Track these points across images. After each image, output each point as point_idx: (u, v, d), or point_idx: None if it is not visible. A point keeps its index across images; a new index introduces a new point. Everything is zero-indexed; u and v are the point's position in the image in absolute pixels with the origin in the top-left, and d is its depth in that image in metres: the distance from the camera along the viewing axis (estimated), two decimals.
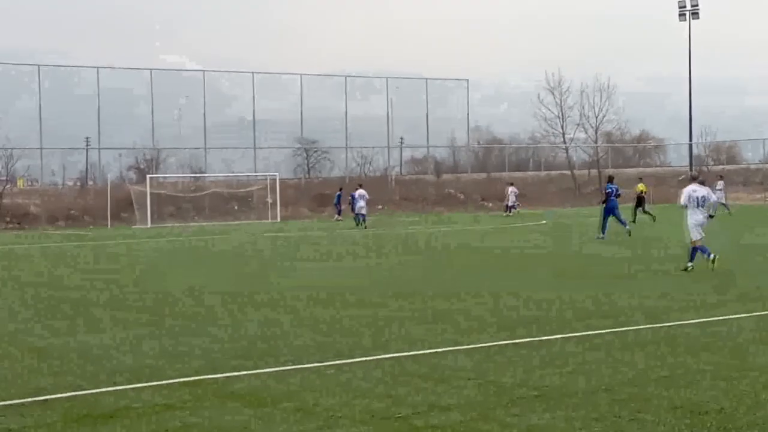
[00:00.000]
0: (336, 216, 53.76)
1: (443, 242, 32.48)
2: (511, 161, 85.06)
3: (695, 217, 19.44)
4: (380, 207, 63.88)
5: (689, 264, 19.30)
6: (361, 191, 47.00)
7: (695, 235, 19.34)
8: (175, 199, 60.35)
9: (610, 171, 54.31)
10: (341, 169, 74.98)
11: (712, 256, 19.08)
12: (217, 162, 71.44)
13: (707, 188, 20.09)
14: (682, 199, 19.60)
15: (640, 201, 42.75)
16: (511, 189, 57.60)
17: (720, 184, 50.96)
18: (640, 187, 44.11)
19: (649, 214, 41.18)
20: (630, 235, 30.58)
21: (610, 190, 31.81)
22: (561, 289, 16.83)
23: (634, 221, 39.85)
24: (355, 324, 13.03)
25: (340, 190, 54.87)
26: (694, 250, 19.40)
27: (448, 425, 7.53)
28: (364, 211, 46.00)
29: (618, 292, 16.11)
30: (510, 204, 56.79)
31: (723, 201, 49.38)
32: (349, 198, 48.81)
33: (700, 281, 17.54)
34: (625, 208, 35.58)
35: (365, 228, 43.81)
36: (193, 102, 69.72)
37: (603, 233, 30.62)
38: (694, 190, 19.62)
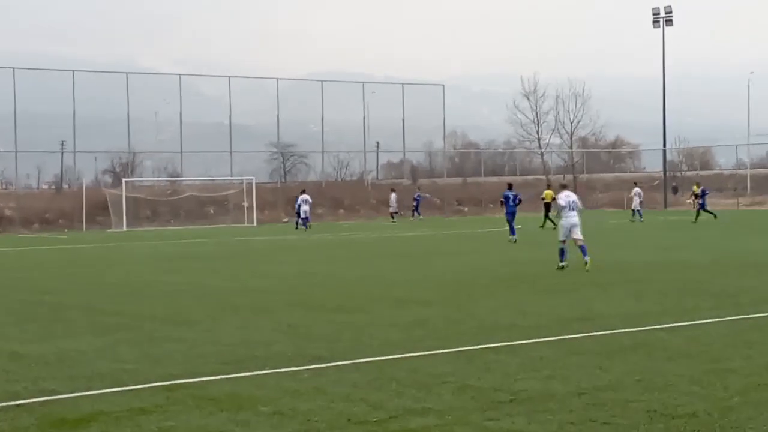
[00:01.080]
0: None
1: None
2: (487, 166, 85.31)
3: (569, 220, 21.46)
4: (360, 212, 63.96)
5: (561, 263, 21.20)
6: (304, 196, 49.49)
7: (563, 235, 21.38)
8: (151, 202, 60.17)
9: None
10: (317, 174, 74.95)
11: (587, 258, 20.85)
12: (193, 166, 71.18)
13: (576, 195, 22.21)
14: (562, 203, 21.75)
15: (547, 207, 43.33)
16: (393, 195, 57.79)
17: (635, 191, 51.43)
18: (547, 193, 44.63)
19: (551, 221, 41.76)
20: (515, 242, 31.83)
21: (505, 197, 33.82)
22: (537, 294, 16.91)
23: (542, 226, 40.75)
24: (333, 328, 13.04)
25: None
26: (562, 251, 21.34)
27: (425, 429, 7.56)
28: (305, 214, 48.60)
29: (593, 297, 16.20)
30: (393, 210, 57.04)
31: (638, 208, 50.10)
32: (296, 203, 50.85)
33: (675, 287, 17.65)
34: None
35: (306, 230, 46.48)
36: (169, 106, 69.44)
37: (513, 234, 32.73)
38: (567, 195, 21.77)
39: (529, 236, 35.42)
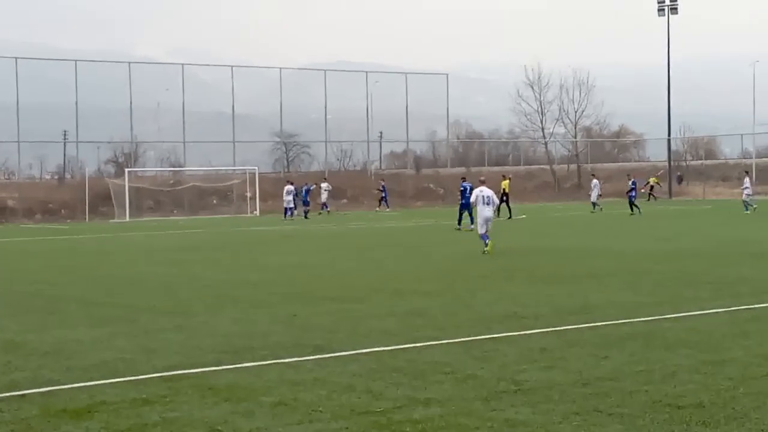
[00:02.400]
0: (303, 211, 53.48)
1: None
2: (491, 156, 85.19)
3: (483, 214, 23.21)
4: (364, 203, 63.85)
5: (485, 248, 22.85)
6: (288, 187, 51.21)
7: (482, 228, 23.13)
8: (153, 192, 60.14)
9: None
10: (320, 163, 74.81)
11: (488, 241, 22.94)
12: (195, 156, 71.15)
13: (491, 190, 23.90)
14: (473, 198, 23.81)
15: (505, 197, 43.56)
16: (324, 184, 56.59)
17: (594, 183, 51.17)
18: (504, 183, 44.69)
19: (508, 208, 42.80)
20: (465, 230, 32.51)
21: (463, 188, 34.83)
22: (535, 285, 16.86)
23: (510, 217, 41.21)
24: (332, 319, 13.00)
25: (306, 184, 54.59)
26: (484, 237, 23.07)
27: (428, 419, 7.52)
28: (288, 205, 50.57)
29: (591, 288, 16.12)
30: (323, 201, 55.86)
31: (595, 200, 49.88)
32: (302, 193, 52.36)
33: (673, 277, 17.60)
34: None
35: (285, 219, 48.25)
36: (171, 95, 69.36)
37: (469, 223, 33.28)
38: (481, 191, 23.49)
39: (520, 224, 35.40)
